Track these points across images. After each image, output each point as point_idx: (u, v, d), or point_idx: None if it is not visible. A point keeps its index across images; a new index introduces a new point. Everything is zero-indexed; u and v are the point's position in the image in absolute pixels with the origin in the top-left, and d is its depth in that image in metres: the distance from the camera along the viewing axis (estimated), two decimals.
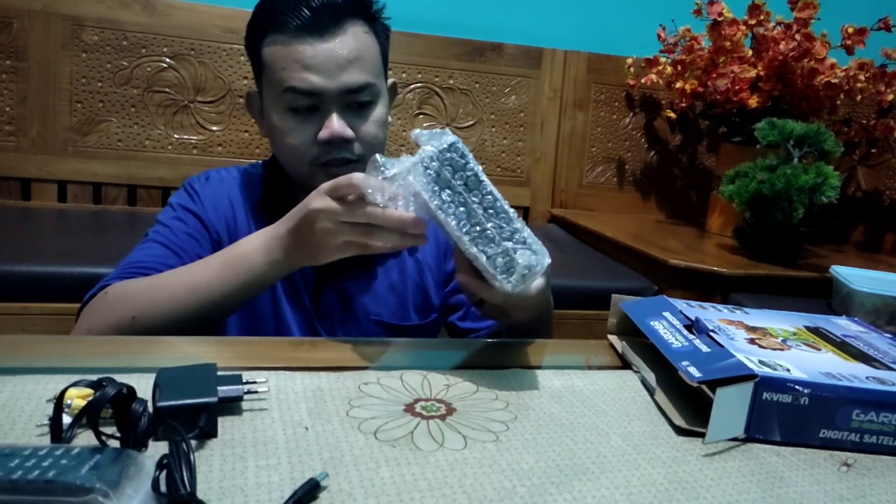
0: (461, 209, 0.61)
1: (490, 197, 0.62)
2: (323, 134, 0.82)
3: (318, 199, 0.66)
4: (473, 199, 0.62)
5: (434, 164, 0.61)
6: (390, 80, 0.93)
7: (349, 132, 0.83)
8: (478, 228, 0.61)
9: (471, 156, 0.63)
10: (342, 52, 0.81)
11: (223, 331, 0.86)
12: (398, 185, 0.62)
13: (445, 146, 0.62)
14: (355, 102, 0.84)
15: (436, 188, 0.61)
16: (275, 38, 0.82)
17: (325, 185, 0.66)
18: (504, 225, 0.62)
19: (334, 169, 0.83)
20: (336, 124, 0.82)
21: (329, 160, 0.84)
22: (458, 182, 0.62)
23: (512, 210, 0.63)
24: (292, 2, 0.81)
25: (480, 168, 0.63)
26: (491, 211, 0.62)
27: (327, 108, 0.82)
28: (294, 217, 0.69)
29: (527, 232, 0.63)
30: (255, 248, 0.71)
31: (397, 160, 0.63)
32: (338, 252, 0.67)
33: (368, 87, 0.84)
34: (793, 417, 0.56)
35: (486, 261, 0.61)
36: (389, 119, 0.90)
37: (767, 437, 0.56)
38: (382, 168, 0.62)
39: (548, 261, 0.63)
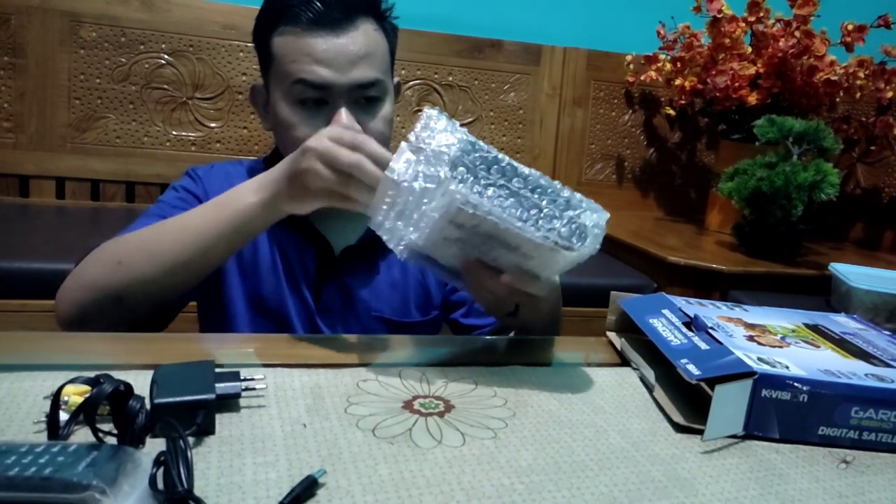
0: (511, 199, 0.59)
1: (532, 177, 0.60)
2: None
3: (315, 139, 0.65)
4: (517, 184, 0.59)
5: (463, 169, 0.59)
6: (395, 79, 0.93)
7: (357, 127, 0.83)
8: (534, 211, 0.59)
9: (487, 146, 0.61)
10: (353, 47, 0.82)
11: (228, 321, 0.86)
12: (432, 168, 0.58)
13: (468, 146, 0.59)
14: (363, 98, 0.84)
15: (479, 189, 0.58)
16: (286, 30, 0.82)
17: (328, 129, 0.66)
18: (556, 198, 0.60)
19: None
20: (345, 119, 0.82)
21: None
22: (497, 175, 0.59)
23: (556, 182, 0.61)
24: None
25: (503, 154, 0.61)
26: (539, 190, 0.60)
27: (336, 102, 0.83)
28: (291, 156, 0.68)
29: (577, 196, 0.61)
30: (248, 186, 0.71)
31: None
32: (317, 198, 0.66)
33: (377, 84, 0.84)
34: (792, 414, 0.56)
35: (557, 235, 0.59)
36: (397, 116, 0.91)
37: (766, 434, 0.56)
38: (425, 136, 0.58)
39: (607, 214, 0.62)
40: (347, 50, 0.81)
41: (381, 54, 0.85)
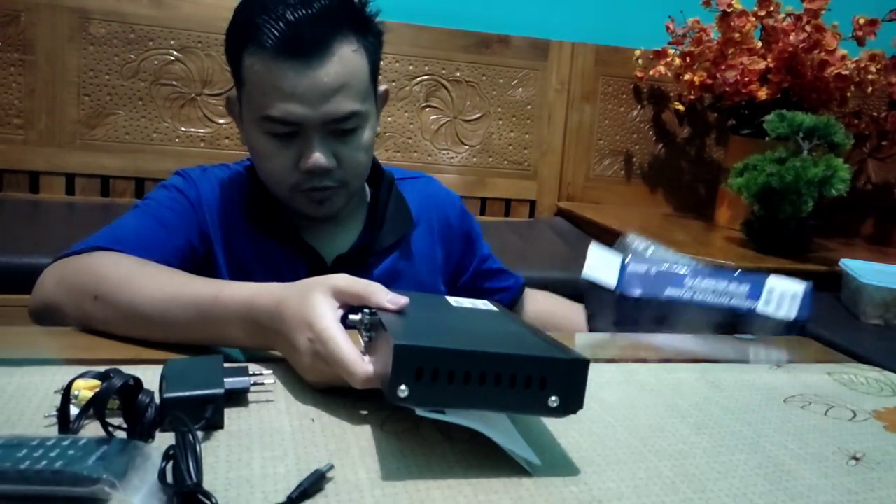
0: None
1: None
2: (303, 164, 0.78)
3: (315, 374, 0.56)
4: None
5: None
6: (382, 87, 0.87)
7: (331, 162, 0.78)
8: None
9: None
10: (327, 79, 0.75)
11: None
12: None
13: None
14: (339, 129, 0.79)
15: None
16: (254, 52, 0.75)
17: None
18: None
19: (316, 194, 0.81)
20: (317, 156, 0.77)
21: (310, 187, 0.80)
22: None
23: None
24: (273, 15, 0.73)
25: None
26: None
27: (308, 135, 0.77)
28: (277, 328, 0.57)
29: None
30: (237, 316, 0.60)
31: None
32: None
33: (354, 116, 0.78)
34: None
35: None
36: (380, 126, 0.87)
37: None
38: None
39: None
40: (320, 83, 0.74)
41: (358, 82, 0.78)
